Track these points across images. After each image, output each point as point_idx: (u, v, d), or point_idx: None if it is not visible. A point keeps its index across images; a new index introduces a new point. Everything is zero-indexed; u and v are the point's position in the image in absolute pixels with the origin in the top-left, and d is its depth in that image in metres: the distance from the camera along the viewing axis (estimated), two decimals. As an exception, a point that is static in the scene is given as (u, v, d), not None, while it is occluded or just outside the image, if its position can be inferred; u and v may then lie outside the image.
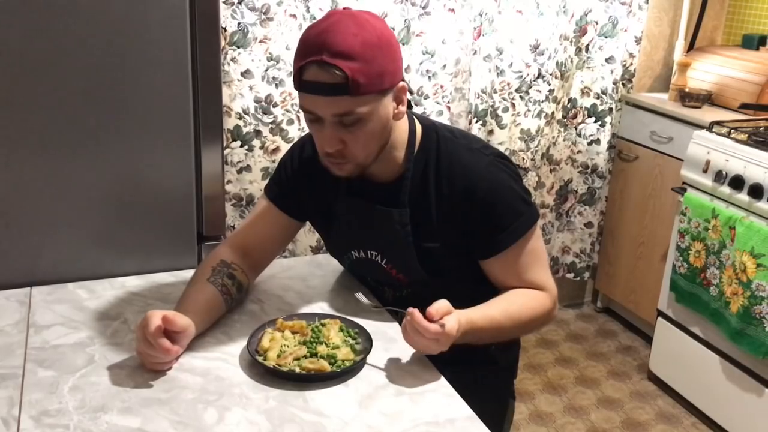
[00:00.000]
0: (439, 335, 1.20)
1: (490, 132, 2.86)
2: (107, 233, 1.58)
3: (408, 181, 1.37)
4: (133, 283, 1.55)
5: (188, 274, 1.44)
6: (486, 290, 1.39)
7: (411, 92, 1.38)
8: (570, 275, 3.28)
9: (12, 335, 1.32)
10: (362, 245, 1.44)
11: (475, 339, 1.31)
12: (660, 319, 2.72)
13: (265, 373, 1.22)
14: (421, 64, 2.65)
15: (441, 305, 1.22)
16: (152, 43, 1.50)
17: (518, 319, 1.36)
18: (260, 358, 1.23)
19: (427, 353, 1.26)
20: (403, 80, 1.30)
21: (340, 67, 1.18)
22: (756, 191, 2.26)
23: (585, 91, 3.02)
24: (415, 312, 1.20)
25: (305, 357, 1.24)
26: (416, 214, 1.37)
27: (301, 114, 2.52)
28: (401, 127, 1.36)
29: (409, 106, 1.42)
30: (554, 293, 1.42)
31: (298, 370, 1.21)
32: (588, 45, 2.94)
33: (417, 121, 1.41)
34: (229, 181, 2.51)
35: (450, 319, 1.21)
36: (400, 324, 1.41)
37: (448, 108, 2.75)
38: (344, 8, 1.26)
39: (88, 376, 1.21)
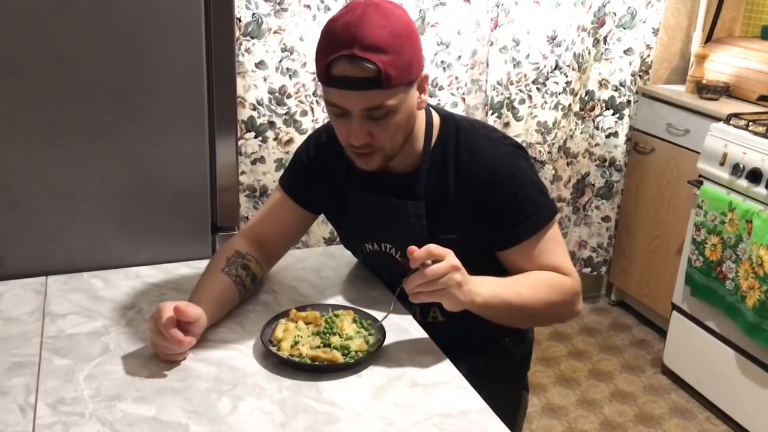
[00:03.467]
0: (448, 268, 1.17)
1: (506, 124, 2.85)
2: (122, 223, 1.59)
3: (424, 173, 1.36)
4: (147, 272, 1.56)
5: (202, 264, 1.44)
6: None
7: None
8: (587, 270, 3.26)
9: (28, 324, 1.34)
10: (377, 238, 1.44)
11: (495, 297, 1.25)
12: (675, 312, 2.71)
13: (279, 363, 1.23)
14: (435, 55, 2.64)
15: (431, 246, 1.18)
16: (167, 34, 1.50)
17: (538, 287, 1.32)
18: (274, 349, 1.24)
19: (453, 295, 1.19)
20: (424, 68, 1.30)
21: (372, 60, 1.17)
22: (774, 185, 2.24)
23: (603, 83, 2.99)
24: (425, 269, 1.17)
25: (318, 347, 1.24)
26: (433, 206, 1.36)
27: (315, 105, 2.53)
28: (420, 118, 1.36)
29: None
30: (577, 280, 1.39)
31: (311, 360, 1.21)
32: (606, 36, 2.91)
33: (434, 111, 1.41)
34: (243, 172, 2.51)
35: (448, 253, 1.19)
36: (414, 315, 1.41)
37: (463, 100, 2.73)
38: None
39: (103, 364, 1.22)
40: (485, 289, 1.25)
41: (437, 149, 1.37)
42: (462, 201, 1.35)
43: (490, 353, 1.51)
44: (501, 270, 1.41)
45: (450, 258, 1.19)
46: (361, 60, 1.17)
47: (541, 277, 1.35)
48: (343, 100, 1.23)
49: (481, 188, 1.34)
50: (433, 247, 1.18)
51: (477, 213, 1.35)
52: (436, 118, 1.40)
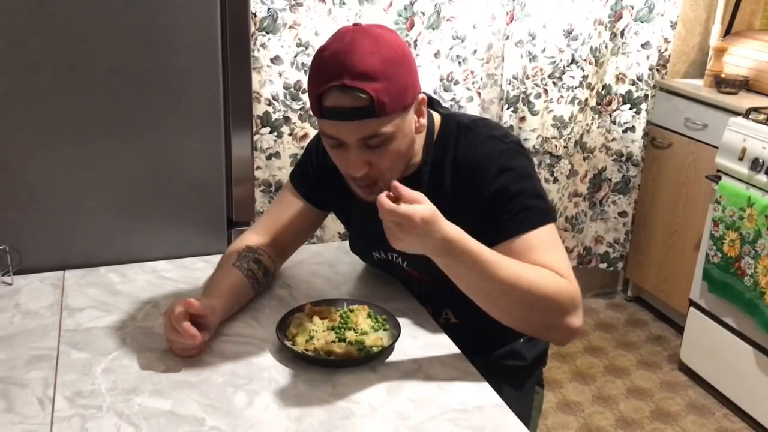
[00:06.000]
0: (393, 213, 1.07)
1: (522, 119, 2.84)
2: (138, 218, 1.60)
3: (425, 181, 1.33)
4: (163, 267, 1.57)
5: (218, 258, 1.45)
6: None
7: (433, 95, 1.33)
8: (603, 265, 3.24)
9: (46, 317, 1.35)
10: (383, 247, 1.42)
11: (460, 264, 1.14)
12: (692, 309, 2.68)
13: (294, 358, 1.23)
14: (451, 49, 2.63)
15: (410, 191, 1.10)
16: (183, 29, 1.51)
17: (521, 277, 1.16)
18: (289, 343, 1.24)
19: (392, 238, 1.11)
20: (421, 91, 1.26)
21: (364, 89, 1.13)
22: (794, 180, 2.21)
23: (620, 78, 2.97)
24: (380, 197, 1.08)
25: (333, 342, 1.24)
26: (432, 203, 1.33)
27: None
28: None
29: (430, 103, 1.36)
30: (575, 287, 1.21)
31: (326, 355, 1.22)
32: (623, 30, 2.89)
33: (435, 113, 1.37)
34: (258, 167, 2.52)
35: (421, 203, 1.09)
36: (429, 313, 1.41)
37: (479, 94, 2.72)
38: (354, 24, 1.21)
39: (120, 358, 1.23)
40: (449, 257, 1.14)
41: (436, 150, 1.34)
42: (456, 194, 1.31)
43: (504, 355, 1.49)
44: None
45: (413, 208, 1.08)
46: (353, 89, 1.14)
47: (534, 269, 1.20)
48: (338, 131, 1.19)
49: (473, 180, 1.28)
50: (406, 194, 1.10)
51: (469, 205, 1.29)
52: (437, 120, 1.36)
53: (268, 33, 2.38)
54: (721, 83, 2.79)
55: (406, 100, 1.20)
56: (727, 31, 3.04)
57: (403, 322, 1.31)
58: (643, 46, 2.91)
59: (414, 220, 1.08)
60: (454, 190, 1.32)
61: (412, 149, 1.29)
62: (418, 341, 1.30)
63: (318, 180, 1.46)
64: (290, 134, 2.52)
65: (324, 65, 1.17)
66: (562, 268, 1.22)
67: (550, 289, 1.19)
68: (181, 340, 1.20)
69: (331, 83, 1.15)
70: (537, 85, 2.81)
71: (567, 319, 1.21)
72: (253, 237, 1.44)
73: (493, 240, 1.24)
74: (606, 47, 2.88)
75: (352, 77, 1.14)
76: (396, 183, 1.11)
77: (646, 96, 2.97)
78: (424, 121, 1.28)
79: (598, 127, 3.04)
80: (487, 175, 1.28)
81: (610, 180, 3.12)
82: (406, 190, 1.10)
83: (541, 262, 1.21)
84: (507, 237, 1.24)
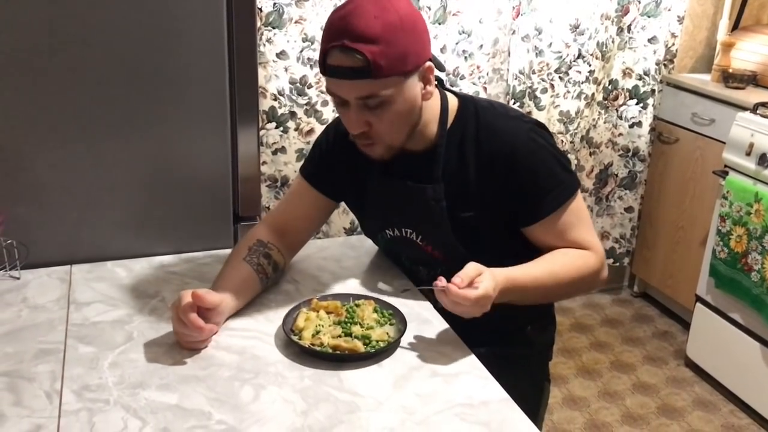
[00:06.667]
0: (478, 299, 1.19)
1: (528, 114, 2.83)
2: (145, 213, 1.60)
3: (441, 156, 1.37)
4: (170, 262, 1.57)
5: (225, 253, 1.45)
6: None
7: (442, 69, 1.37)
8: (609, 261, 3.24)
9: (53, 311, 1.35)
10: (397, 223, 1.45)
11: (518, 297, 1.30)
12: (698, 304, 2.68)
13: (300, 352, 1.23)
14: (457, 44, 2.63)
15: (468, 270, 1.21)
16: (188, 24, 1.51)
17: (562, 277, 1.34)
18: (295, 338, 1.24)
19: (470, 316, 1.23)
20: (430, 60, 1.30)
21: (360, 51, 1.19)
22: (802, 175, 2.20)
23: (626, 72, 2.96)
24: (449, 287, 1.18)
25: (340, 337, 1.24)
26: (452, 185, 1.37)
27: (337, 95, 2.53)
28: (432, 103, 1.36)
29: (441, 85, 1.41)
30: (600, 252, 1.40)
31: (332, 350, 1.22)
32: (630, 25, 2.88)
33: (451, 94, 1.41)
34: (264, 163, 2.52)
35: (484, 280, 1.21)
36: (432, 304, 1.41)
37: (485, 89, 2.72)
38: None
39: (127, 352, 1.23)
40: (507, 298, 1.28)
41: (455, 129, 1.38)
42: (482, 178, 1.36)
43: (511, 342, 1.50)
44: (522, 246, 1.40)
45: (482, 288, 1.20)
46: (350, 50, 1.20)
47: (566, 261, 1.36)
48: (338, 88, 1.26)
49: (502, 164, 1.34)
50: (474, 276, 1.21)
51: (498, 190, 1.35)
52: (453, 100, 1.40)
53: (273, 28, 2.38)
54: (729, 78, 2.78)
55: (406, 66, 1.24)
56: (735, 26, 3.03)
57: (409, 316, 1.31)
58: (650, 40, 2.90)
59: (491, 294, 1.21)
60: (479, 168, 1.36)
61: (416, 115, 1.33)
62: (424, 336, 1.30)
63: (329, 170, 1.47)
64: (296, 129, 2.52)
65: (331, 26, 1.24)
66: (590, 240, 1.40)
67: (585, 269, 1.37)
68: (187, 332, 1.21)
69: (333, 43, 1.22)
70: (543, 80, 2.81)
71: (598, 278, 1.41)
72: (263, 231, 1.45)
73: (529, 220, 1.38)
74: (613, 42, 2.87)
75: (352, 39, 1.20)
76: (457, 278, 1.19)
77: (653, 91, 2.96)
78: (431, 88, 1.32)
79: (604, 122, 3.03)
80: (512, 158, 1.34)
81: (617, 175, 3.12)
82: (466, 274, 1.20)
83: (572, 241, 1.38)
84: (546, 214, 1.36)
